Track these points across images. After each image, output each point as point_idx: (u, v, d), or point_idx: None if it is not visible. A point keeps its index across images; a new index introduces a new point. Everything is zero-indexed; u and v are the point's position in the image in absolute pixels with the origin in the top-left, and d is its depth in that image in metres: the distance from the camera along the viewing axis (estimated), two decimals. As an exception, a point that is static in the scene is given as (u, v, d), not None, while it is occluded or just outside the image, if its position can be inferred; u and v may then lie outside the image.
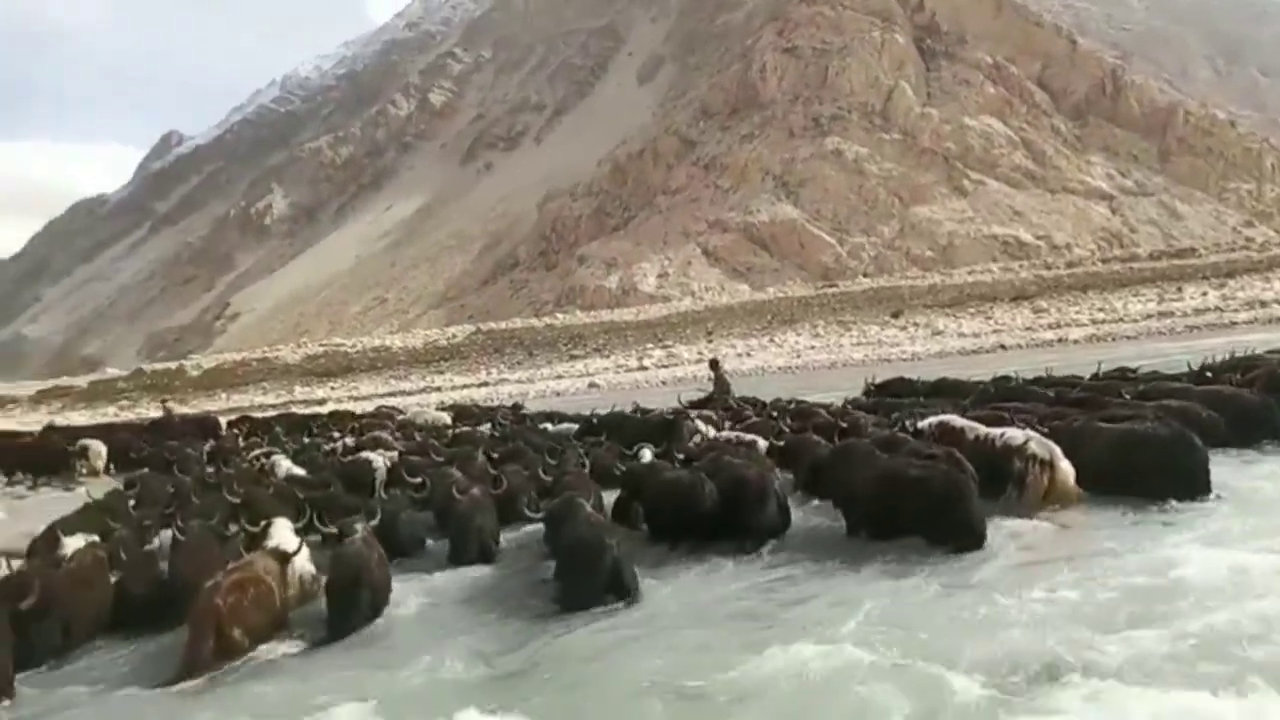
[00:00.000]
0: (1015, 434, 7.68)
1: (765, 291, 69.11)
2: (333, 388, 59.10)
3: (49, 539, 7.41)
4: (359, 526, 6.80)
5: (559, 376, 50.61)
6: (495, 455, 11.29)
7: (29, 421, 50.64)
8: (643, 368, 49.41)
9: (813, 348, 49.11)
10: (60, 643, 5.97)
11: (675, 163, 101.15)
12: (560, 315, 71.21)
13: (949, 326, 49.53)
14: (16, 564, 6.91)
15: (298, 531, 7.13)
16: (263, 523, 7.32)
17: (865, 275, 71.75)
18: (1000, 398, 11.44)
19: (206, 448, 17.03)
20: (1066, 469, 7.31)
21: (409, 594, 6.73)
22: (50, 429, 22.63)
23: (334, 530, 7.06)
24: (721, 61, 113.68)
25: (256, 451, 14.80)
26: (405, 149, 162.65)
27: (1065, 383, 12.39)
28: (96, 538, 7.42)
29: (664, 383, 37.59)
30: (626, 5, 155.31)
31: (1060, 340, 38.63)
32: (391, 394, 49.93)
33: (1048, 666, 4.32)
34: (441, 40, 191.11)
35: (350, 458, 12.15)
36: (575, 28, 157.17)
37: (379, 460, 11.10)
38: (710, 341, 56.18)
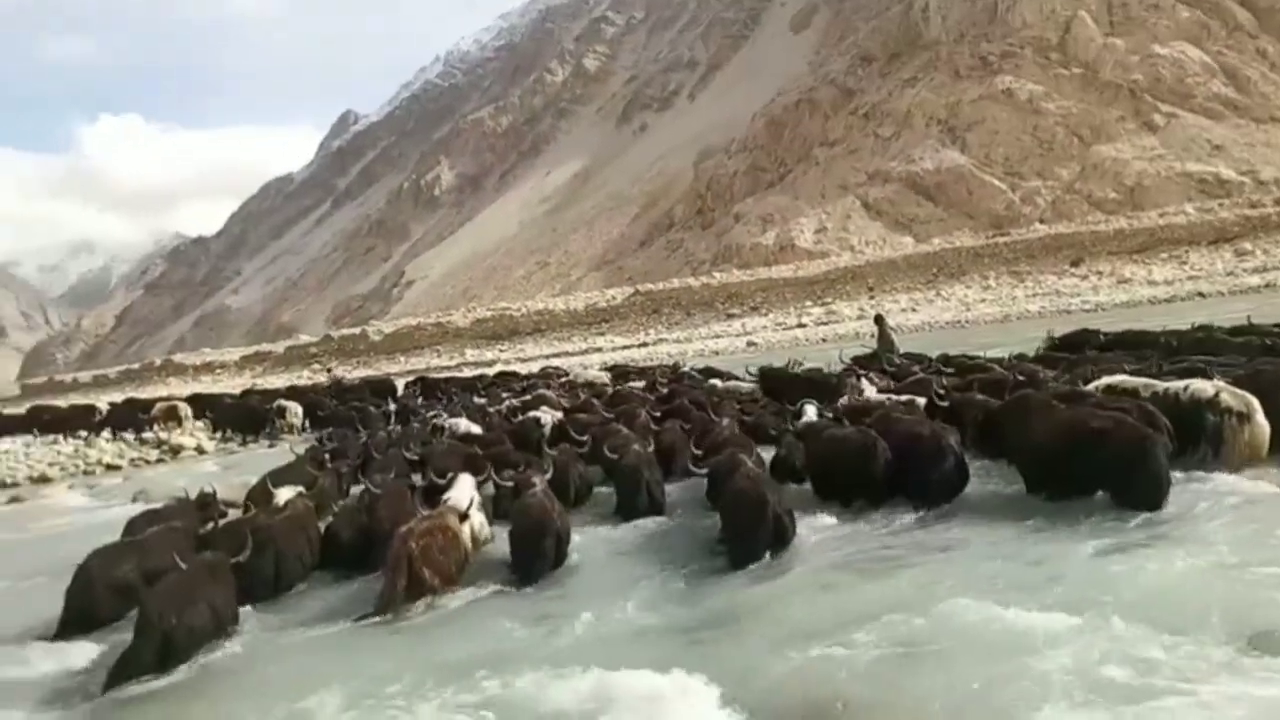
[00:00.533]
0: (1203, 385, 7.03)
1: (930, 243, 66.15)
2: (501, 350, 61.57)
3: (264, 490, 8.19)
4: (537, 480, 7.24)
5: (716, 336, 50.56)
6: (657, 413, 11.42)
7: (234, 385, 55.65)
8: (801, 325, 48.60)
9: (983, 301, 46.73)
10: (275, 582, 6.62)
11: (832, 113, 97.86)
12: (717, 274, 70.87)
13: (1137, 274, 45.90)
14: (234, 513, 7.75)
15: (477, 485, 7.63)
16: (448, 476, 7.86)
17: (1041, 222, 67.21)
18: (1188, 350, 10.44)
19: (390, 407, 18.24)
20: (1263, 423, 6.63)
21: (584, 545, 7.00)
22: (249, 392, 24.82)
23: (510, 484, 7.50)
24: (879, 4, 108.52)
25: (432, 412, 15.66)
26: (562, 114, 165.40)
27: (1272, 333, 11.15)
28: (303, 488, 8.21)
29: (824, 340, 36.86)
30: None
31: (1268, 285, 34.99)
32: (555, 355, 51.49)
33: (1260, 635, 3.97)
34: (594, 5, 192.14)
35: (519, 417, 12.57)
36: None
37: (546, 418, 11.49)
38: (872, 297, 54.49)
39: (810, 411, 9.26)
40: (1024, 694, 3.73)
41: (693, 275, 75.45)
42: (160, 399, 23.56)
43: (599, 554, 6.83)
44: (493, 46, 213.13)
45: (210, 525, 7.20)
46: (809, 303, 56.95)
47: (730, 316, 59.10)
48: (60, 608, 6.09)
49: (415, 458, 9.73)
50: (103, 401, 25.77)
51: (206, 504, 7.91)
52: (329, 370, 31.29)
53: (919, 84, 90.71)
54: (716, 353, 38.27)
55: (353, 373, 53.49)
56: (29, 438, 20.50)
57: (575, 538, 7.01)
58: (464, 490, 7.30)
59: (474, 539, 6.85)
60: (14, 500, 13.54)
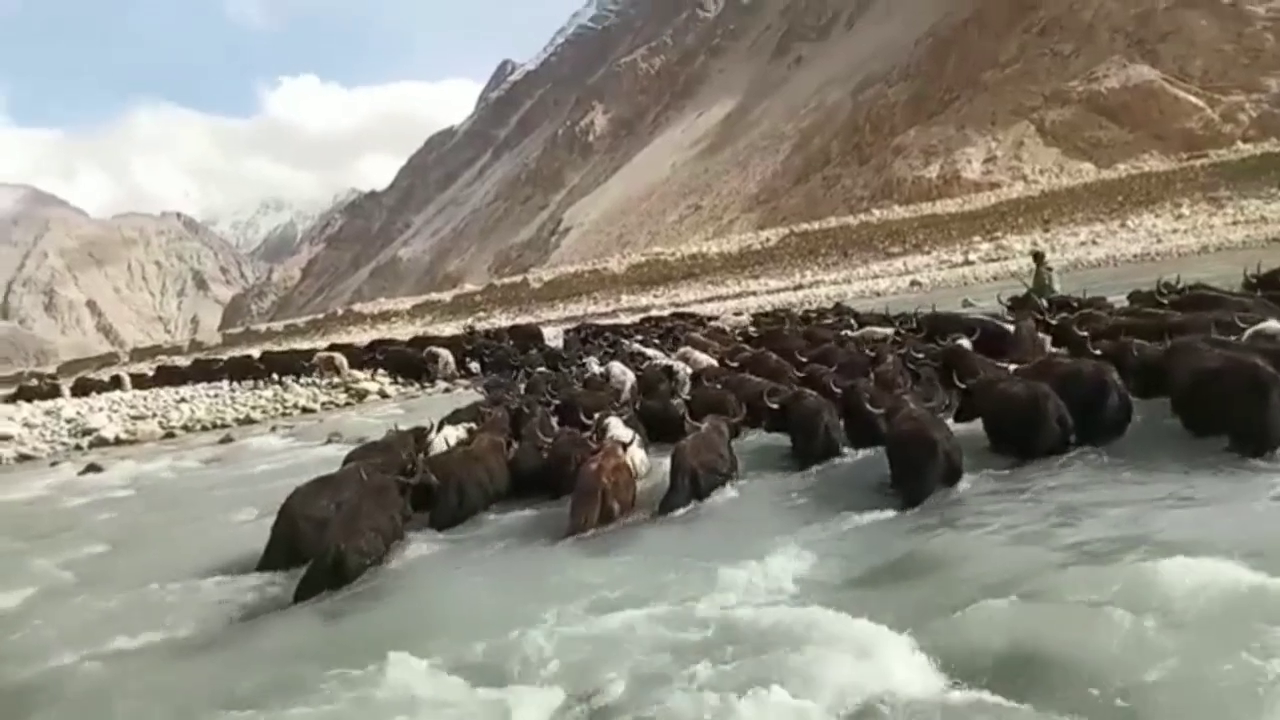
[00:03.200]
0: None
1: (1114, 169, 61.04)
2: (655, 295, 62.11)
3: (417, 432, 9.07)
4: (704, 424, 7.74)
5: (876, 276, 49.01)
6: (804, 359, 11.32)
7: (406, 332, 58.87)
8: (968, 263, 46.33)
9: (1175, 231, 42.97)
10: (460, 508, 7.28)
11: (1005, 31, 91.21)
12: (876, 211, 68.33)
13: (1363, 196, 40.85)
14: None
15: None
16: (597, 418, 8.55)
17: (1244, 141, 60.59)
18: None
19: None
20: None
21: (755, 489, 7.09)
22: (416, 339, 26.29)
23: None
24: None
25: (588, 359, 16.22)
26: (715, 52, 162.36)
27: None
28: (473, 425, 9.16)
29: (994, 278, 34.99)
30: None
31: None
32: (709, 299, 51.45)
33: None
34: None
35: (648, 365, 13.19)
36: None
37: (680, 368, 11.89)
38: (1047, 230, 51.16)
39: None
40: (1244, 669, 3.44)
41: (850, 213, 73.07)
42: (317, 349, 25.31)
43: (769, 500, 6.86)
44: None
45: (408, 461, 7.74)
46: (977, 238, 54.08)
47: (891, 255, 57.04)
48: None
49: (556, 400, 10.83)
50: (275, 349, 27.77)
51: (405, 442, 8.65)
52: (469, 327, 32.59)
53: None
54: (878, 293, 37.14)
55: (514, 320, 55.51)
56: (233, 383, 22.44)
57: (749, 482, 7.27)
58: (619, 429, 7.87)
59: (634, 471, 7.36)
60: (225, 440, 14.98)
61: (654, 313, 36.15)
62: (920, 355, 10.11)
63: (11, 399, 23.88)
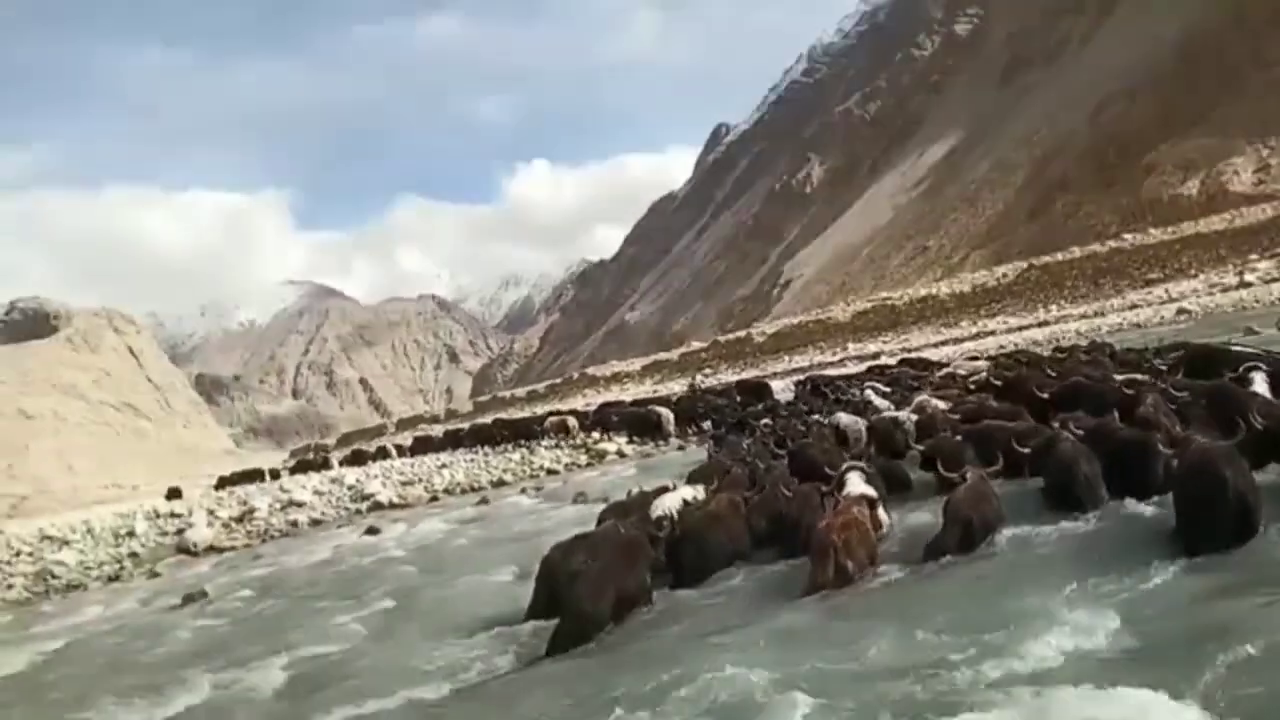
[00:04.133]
0: None
1: None
2: (884, 341, 60.23)
3: (645, 496, 9.25)
4: (969, 474, 7.47)
5: (1133, 306, 44.85)
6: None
7: (638, 391, 60.70)
8: (1245, 284, 41.28)
9: None
10: (701, 567, 7.35)
11: (1267, 29, 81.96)
12: (1128, 236, 62.74)
13: None
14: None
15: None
16: (842, 469, 8.11)
17: None
18: None
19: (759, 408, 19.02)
20: None
21: (1020, 542, 6.67)
22: (636, 401, 27.14)
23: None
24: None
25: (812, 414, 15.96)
26: (934, 90, 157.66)
27: None
28: (703, 487, 9.09)
29: (1277, 301, 30.89)
30: None
31: None
32: (943, 342, 49.16)
33: None
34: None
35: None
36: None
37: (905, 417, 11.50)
38: (1344, 242, 44.75)
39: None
40: None
41: (1097, 241, 67.56)
42: (551, 412, 26.60)
43: (1032, 551, 6.43)
44: (856, 33, 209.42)
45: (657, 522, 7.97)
46: (1254, 256, 48.25)
47: (1150, 283, 52.03)
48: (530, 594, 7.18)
49: (782, 453, 10.67)
50: (528, 411, 29.53)
51: (648, 501, 8.90)
52: (691, 385, 33.04)
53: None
54: (1138, 325, 33.92)
55: (739, 374, 55.74)
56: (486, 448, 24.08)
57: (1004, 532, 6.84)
58: (857, 484, 7.56)
59: (880, 528, 7.23)
60: (482, 501, 16.08)
61: (883, 359, 35.06)
62: (1183, 394, 9.04)
63: (293, 470, 27.02)
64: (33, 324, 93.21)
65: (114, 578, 14.42)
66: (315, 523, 17.35)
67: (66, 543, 17.02)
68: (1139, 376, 11.29)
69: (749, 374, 52.57)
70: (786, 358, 66.61)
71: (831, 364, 47.89)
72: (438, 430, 34.17)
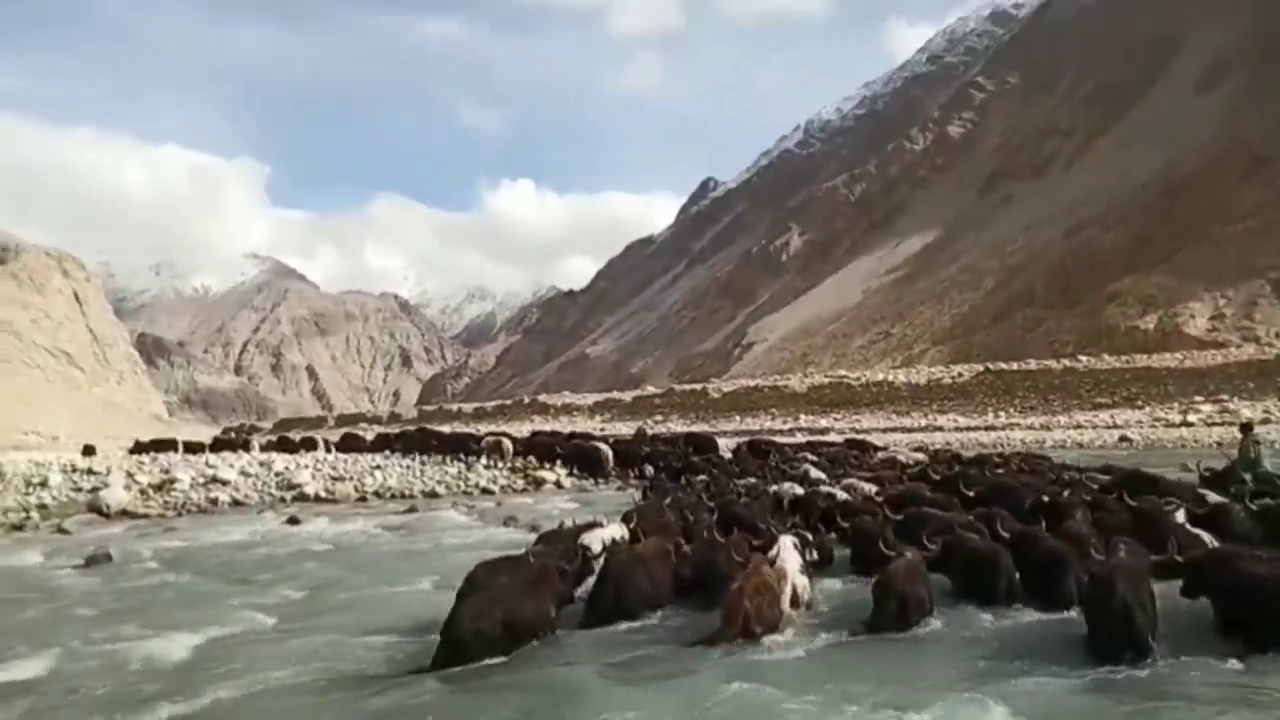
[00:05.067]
0: None
1: (1369, 340, 55.07)
2: (835, 418, 60.81)
3: (573, 530, 9.13)
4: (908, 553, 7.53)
5: (1078, 426, 45.88)
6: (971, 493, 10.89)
7: (588, 426, 60.45)
8: (1187, 424, 42.53)
9: None
10: (618, 606, 7.25)
11: (1241, 183, 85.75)
12: (1083, 358, 64.44)
13: None
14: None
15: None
16: (775, 536, 8.26)
17: None
18: None
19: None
20: None
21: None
22: (573, 434, 27.03)
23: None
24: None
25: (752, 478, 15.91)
26: (919, 184, 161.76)
27: None
28: (625, 531, 9.10)
29: (1218, 443, 31.73)
30: (1185, 7, 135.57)
31: None
32: (892, 429, 49.78)
33: None
34: (964, 71, 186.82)
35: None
36: (1119, 42, 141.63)
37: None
38: (1283, 398, 46.37)
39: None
40: None
41: (1054, 357, 69.29)
42: (489, 433, 26.36)
43: (946, 635, 6.59)
44: (854, 115, 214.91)
45: (575, 554, 7.85)
46: (1199, 397, 49.79)
47: (1098, 406, 53.37)
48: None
49: (711, 506, 10.96)
50: (472, 428, 29.17)
51: (575, 535, 8.82)
52: (640, 430, 33.16)
53: (1361, 151, 76.77)
54: (1080, 445, 34.63)
55: (690, 426, 55.81)
56: (423, 456, 23.70)
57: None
58: (787, 552, 7.62)
59: (795, 598, 7.22)
60: (410, 510, 15.75)
61: (832, 436, 35.38)
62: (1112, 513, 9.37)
63: (210, 448, 26.17)
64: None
65: (18, 526, 13.86)
66: (236, 504, 16.88)
67: (-29, 482, 16.36)
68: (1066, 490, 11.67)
69: (699, 427, 52.62)
70: (739, 418, 66.86)
71: (782, 432, 48.12)
72: (371, 432, 33.62)
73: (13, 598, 8.81)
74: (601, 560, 7.92)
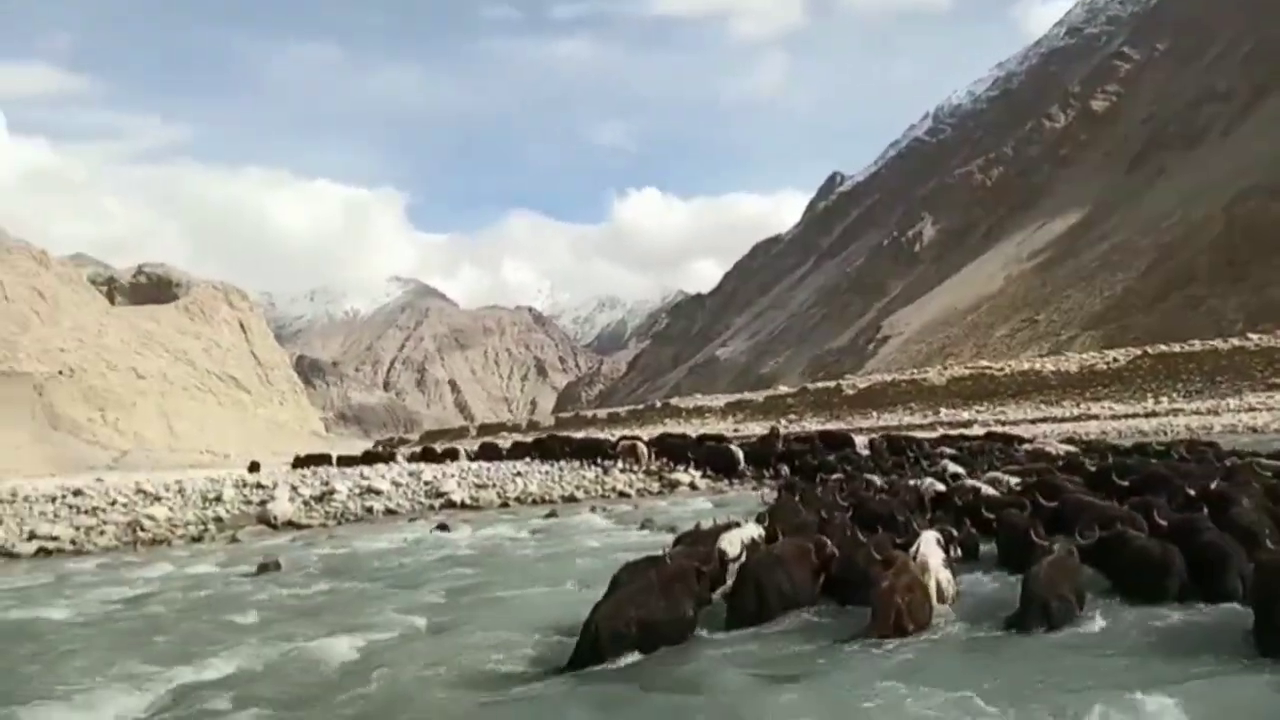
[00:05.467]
0: None
1: None
2: (978, 410, 58.48)
3: (710, 531, 9.05)
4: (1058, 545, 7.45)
5: (1252, 409, 42.50)
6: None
7: (720, 428, 60.39)
8: (1379, 403, 38.68)
9: None
10: (758, 608, 7.25)
11: None
12: (1254, 336, 59.48)
13: None
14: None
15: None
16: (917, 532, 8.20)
17: None
18: None
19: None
20: None
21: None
22: (705, 436, 27.08)
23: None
24: None
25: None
26: (1062, 163, 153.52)
27: None
28: (761, 530, 8.99)
29: None
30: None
31: None
32: (1041, 419, 47.49)
33: None
34: (1107, 42, 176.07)
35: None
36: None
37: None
38: None
39: None
40: None
41: (1219, 337, 64.26)
42: (623, 437, 26.61)
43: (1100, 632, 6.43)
44: (986, 98, 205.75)
45: (712, 556, 7.91)
46: (1391, 373, 45.20)
47: (1273, 387, 49.21)
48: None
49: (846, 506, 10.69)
50: (607, 433, 29.70)
51: (714, 536, 8.77)
52: (773, 428, 32.88)
53: None
54: (1254, 429, 32.09)
55: (824, 424, 54.89)
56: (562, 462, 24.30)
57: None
58: (929, 546, 7.53)
59: (940, 593, 7.15)
60: (551, 514, 16.22)
61: (975, 429, 34.07)
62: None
63: (360, 460, 27.56)
64: (156, 289, 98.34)
65: (197, 538, 15.06)
66: (390, 512, 17.78)
67: (159, 499, 17.91)
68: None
69: (834, 425, 51.68)
70: (875, 414, 65.26)
71: (921, 426, 46.65)
72: (507, 440, 34.72)
73: (194, 603, 9.62)
74: (739, 562, 7.93)
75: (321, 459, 28.13)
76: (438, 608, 8.74)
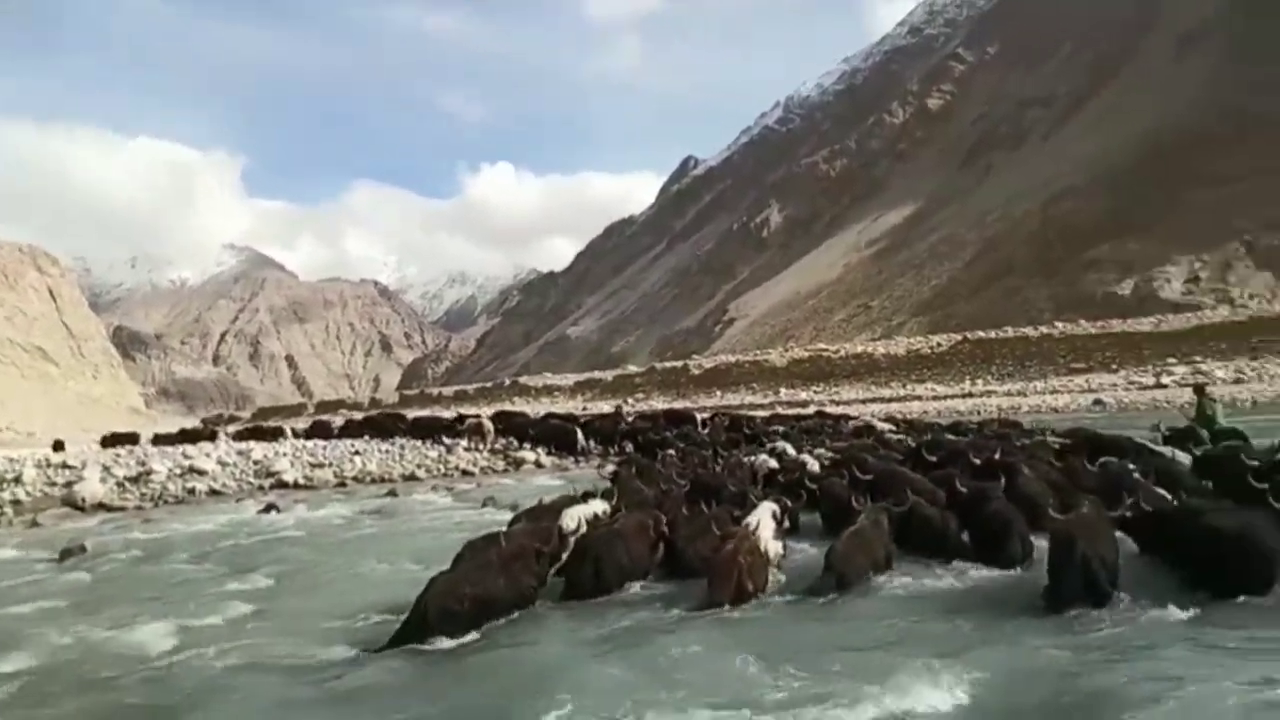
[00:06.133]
0: None
1: (1339, 300, 55.82)
2: (815, 391, 61.19)
3: (550, 507, 9.14)
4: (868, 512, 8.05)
5: (1054, 391, 46.40)
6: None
7: (569, 406, 60.46)
8: (1160, 385, 43.09)
9: None
10: (596, 581, 7.32)
11: (1219, 148, 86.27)
12: (1060, 325, 64.99)
13: None
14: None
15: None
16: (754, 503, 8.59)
17: None
18: None
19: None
20: None
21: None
22: (550, 415, 27.10)
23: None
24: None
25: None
26: (899, 157, 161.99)
27: None
28: (606, 505, 9.12)
29: (1189, 403, 32.28)
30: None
31: None
32: (871, 399, 50.14)
33: None
34: (944, 43, 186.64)
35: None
36: (1098, 10, 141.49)
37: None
38: (1254, 359, 47.07)
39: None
40: None
41: (1030, 325, 69.85)
42: (469, 415, 26.20)
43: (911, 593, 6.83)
44: (833, 91, 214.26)
45: (552, 532, 7.91)
46: (1172, 360, 50.39)
47: (1073, 371, 53.96)
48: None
49: (684, 483, 10.93)
50: (453, 411, 29.07)
51: (555, 512, 8.82)
52: (617, 407, 33.37)
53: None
54: (1056, 410, 35.08)
55: (670, 403, 55.97)
56: (404, 440, 23.64)
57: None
58: (764, 516, 7.85)
59: (772, 560, 7.47)
60: (390, 494, 15.75)
61: (811, 409, 35.63)
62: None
63: (177, 440, 25.73)
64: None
65: (-10, 522, 13.76)
66: (214, 493, 16.79)
67: (-55, 478, 16.22)
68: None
69: (680, 404, 52.76)
70: (719, 393, 67.14)
71: (762, 406, 48.35)
72: (346, 418, 33.32)
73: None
74: (577, 536, 7.98)
75: (130, 438, 26.12)
76: (259, 591, 8.28)
